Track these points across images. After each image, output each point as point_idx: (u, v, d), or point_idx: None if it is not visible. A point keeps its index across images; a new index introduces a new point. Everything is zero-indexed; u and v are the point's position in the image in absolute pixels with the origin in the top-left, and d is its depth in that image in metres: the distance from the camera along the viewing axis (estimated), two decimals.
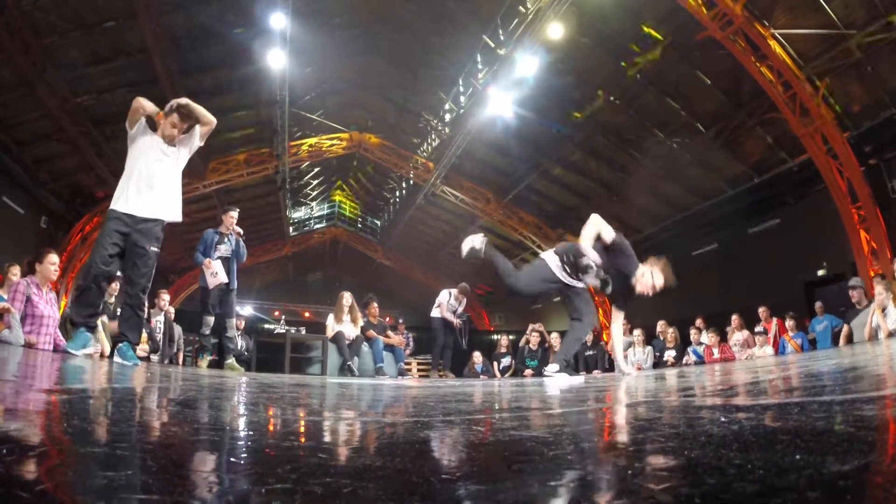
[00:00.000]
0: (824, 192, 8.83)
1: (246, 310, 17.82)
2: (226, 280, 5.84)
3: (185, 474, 0.62)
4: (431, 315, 7.94)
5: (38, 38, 8.53)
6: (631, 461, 0.70)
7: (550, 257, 4.04)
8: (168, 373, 3.38)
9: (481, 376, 7.81)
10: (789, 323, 7.29)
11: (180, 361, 6.69)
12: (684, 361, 7.55)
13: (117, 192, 3.58)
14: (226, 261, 5.89)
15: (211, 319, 5.81)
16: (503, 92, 10.71)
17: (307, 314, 22.19)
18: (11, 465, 0.57)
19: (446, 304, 7.84)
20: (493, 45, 10.55)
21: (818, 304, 7.55)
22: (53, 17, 8.35)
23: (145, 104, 3.58)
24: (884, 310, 5.69)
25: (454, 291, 7.98)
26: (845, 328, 6.50)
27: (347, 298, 6.99)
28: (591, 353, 8.51)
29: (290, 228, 20.34)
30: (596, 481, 0.61)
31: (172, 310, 7.29)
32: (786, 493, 0.45)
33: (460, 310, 7.95)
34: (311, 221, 22.07)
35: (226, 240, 5.99)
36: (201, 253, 5.88)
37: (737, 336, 7.61)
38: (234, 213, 6.10)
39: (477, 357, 8.38)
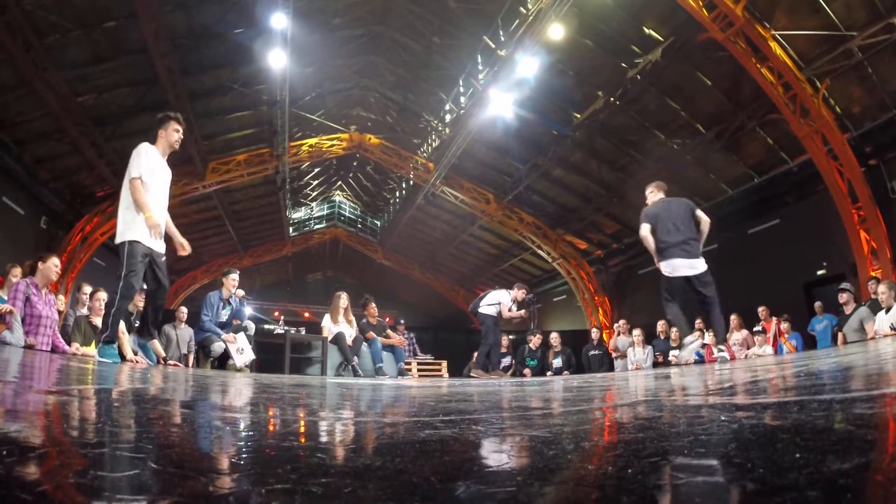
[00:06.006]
0: (824, 192, 8.82)
1: (246, 311, 17.81)
2: (253, 357, 5.66)
3: (186, 474, 0.62)
4: (481, 311, 7.34)
5: (39, 37, 8.53)
6: (630, 460, 0.70)
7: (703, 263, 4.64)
8: (170, 374, 3.38)
9: None
10: (784, 325, 7.30)
11: (190, 364, 6.68)
12: (684, 361, 7.55)
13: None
14: (223, 326, 5.78)
15: (220, 347, 5.65)
16: (504, 92, 10.70)
17: (307, 314, 22.18)
18: (12, 467, 0.57)
19: (507, 303, 7.32)
20: (493, 45, 10.54)
21: (818, 304, 7.56)
22: (54, 16, 8.35)
23: None
24: (888, 310, 5.68)
25: (510, 291, 7.46)
26: (840, 336, 6.48)
27: (344, 300, 6.92)
28: (595, 353, 8.52)
29: (290, 229, 20.33)
30: (595, 480, 0.61)
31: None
32: (786, 492, 0.45)
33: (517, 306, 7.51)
34: (311, 222, 22.07)
35: (228, 305, 5.85)
36: (209, 319, 5.66)
37: (736, 336, 7.62)
38: (235, 276, 5.93)
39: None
